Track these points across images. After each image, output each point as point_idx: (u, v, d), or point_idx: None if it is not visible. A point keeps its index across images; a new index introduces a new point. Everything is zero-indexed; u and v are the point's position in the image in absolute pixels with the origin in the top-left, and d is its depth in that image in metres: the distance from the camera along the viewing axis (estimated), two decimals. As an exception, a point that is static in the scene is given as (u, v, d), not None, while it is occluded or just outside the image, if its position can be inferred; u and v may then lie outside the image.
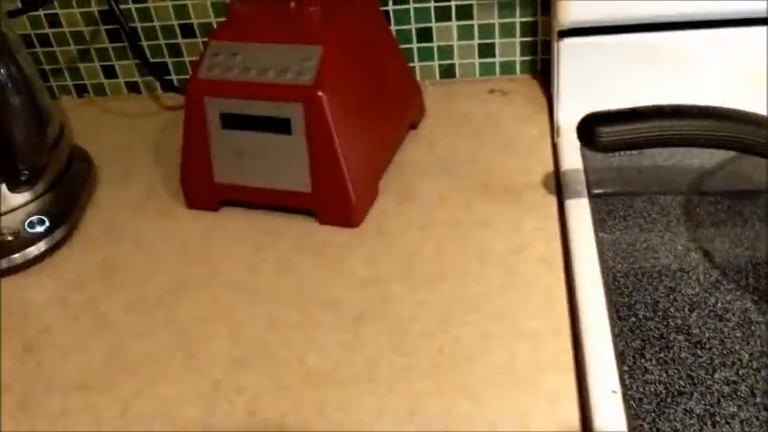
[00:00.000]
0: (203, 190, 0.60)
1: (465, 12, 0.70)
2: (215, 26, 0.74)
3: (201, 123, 0.58)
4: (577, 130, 0.49)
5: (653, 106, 0.48)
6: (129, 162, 0.69)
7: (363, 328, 0.49)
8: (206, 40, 0.75)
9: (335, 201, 0.57)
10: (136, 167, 0.68)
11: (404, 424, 0.43)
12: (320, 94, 0.54)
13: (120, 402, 0.46)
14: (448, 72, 0.74)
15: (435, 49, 0.73)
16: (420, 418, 0.43)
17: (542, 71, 0.73)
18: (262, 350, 0.49)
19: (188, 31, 0.75)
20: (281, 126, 0.56)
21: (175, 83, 0.78)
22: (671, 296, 0.48)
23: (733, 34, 0.60)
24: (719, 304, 0.47)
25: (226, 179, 0.59)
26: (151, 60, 0.76)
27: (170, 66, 0.77)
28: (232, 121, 0.57)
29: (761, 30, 0.60)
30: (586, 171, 0.60)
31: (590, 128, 0.47)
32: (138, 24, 0.74)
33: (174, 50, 0.76)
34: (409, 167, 0.63)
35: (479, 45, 0.72)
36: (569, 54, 0.63)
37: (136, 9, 0.73)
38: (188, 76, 0.77)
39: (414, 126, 0.68)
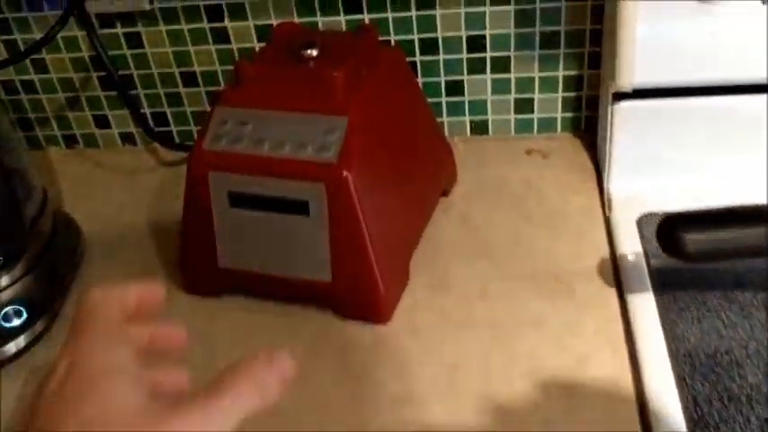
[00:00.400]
0: (205, 275, 0.53)
1: (502, 64, 0.62)
2: (220, 74, 0.66)
3: (205, 201, 0.50)
4: (657, 233, 0.41)
5: (751, 207, 0.40)
6: (121, 231, 0.61)
7: (398, 465, 0.41)
8: (210, 89, 0.67)
9: (361, 292, 0.49)
10: (129, 238, 0.60)
11: None
12: (346, 174, 0.46)
13: None
14: (480, 128, 0.66)
15: (466, 104, 0.65)
16: None
17: (586, 129, 0.65)
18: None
19: (190, 79, 0.67)
20: (299, 207, 0.48)
21: (175, 135, 0.71)
22: (767, 429, 0.40)
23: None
24: (827, 443, 0.39)
25: (231, 264, 0.51)
26: (149, 111, 0.68)
27: (169, 116, 0.70)
28: (241, 201, 0.49)
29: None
30: (648, 255, 0.52)
31: (673, 233, 0.39)
32: (134, 71, 0.67)
33: (175, 100, 0.68)
34: (443, 247, 0.55)
35: (516, 100, 0.64)
36: (625, 118, 0.55)
37: (131, 55, 0.66)
38: (188, 128, 0.70)
39: (446, 193, 0.60)
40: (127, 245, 0.60)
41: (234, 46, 0.64)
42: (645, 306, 0.48)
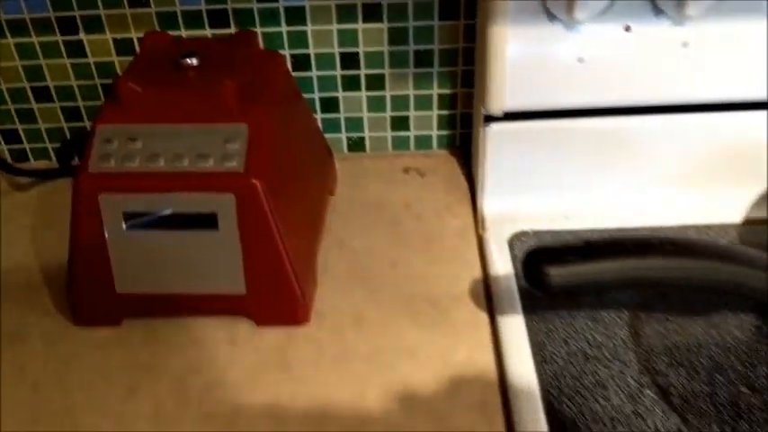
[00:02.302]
0: (100, 303, 0.49)
1: (376, 81, 0.61)
2: (76, 89, 0.61)
3: (96, 226, 0.46)
4: (523, 267, 0.41)
5: (611, 239, 0.41)
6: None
7: None
8: (66, 104, 0.62)
9: (279, 298, 0.48)
10: None
11: None
12: (255, 182, 0.44)
13: None
14: (357, 146, 0.65)
15: (342, 121, 0.64)
16: None
17: (461, 146, 0.65)
18: None
19: (43, 94, 0.62)
20: (206, 222, 0.46)
21: (29, 152, 0.65)
22: (628, 452, 0.42)
23: (666, 121, 0.55)
24: (683, 461, 0.41)
25: (131, 289, 0.48)
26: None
27: (21, 134, 0.64)
28: (139, 222, 0.46)
29: (693, 117, 0.55)
30: (517, 274, 0.53)
31: (537, 267, 0.40)
32: (-19, 86, 0.61)
33: (27, 117, 0.63)
34: (320, 274, 0.53)
35: (392, 117, 0.63)
36: (496, 140, 0.56)
37: (-24, 69, 0.60)
38: (43, 145, 0.65)
39: (331, 192, 0.60)
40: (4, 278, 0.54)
41: (91, 60, 0.60)
42: (515, 328, 0.49)
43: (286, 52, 0.59)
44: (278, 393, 0.45)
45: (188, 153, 0.45)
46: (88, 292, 0.49)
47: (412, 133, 0.64)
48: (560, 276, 0.39)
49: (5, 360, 0.48)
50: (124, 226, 0.46)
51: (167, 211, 0.45)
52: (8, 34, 0.58)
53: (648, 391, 0.45)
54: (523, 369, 0.46)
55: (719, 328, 0.49)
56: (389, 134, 0.64)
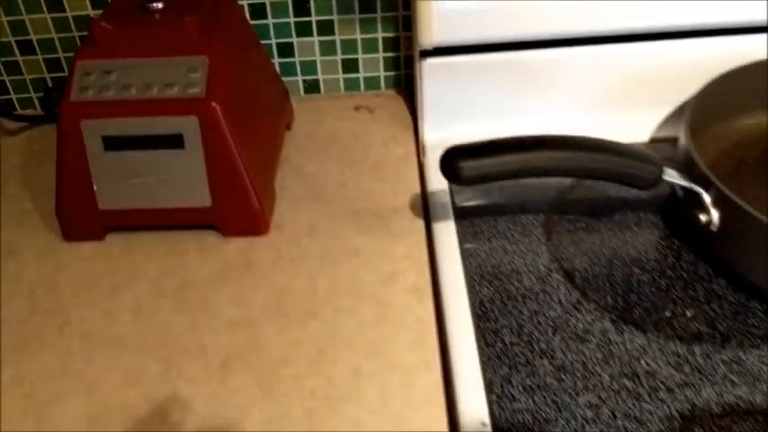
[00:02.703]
0: (85, 219, 0.56)
1: (326, 27, 0.68)
2: (56, 42, 0.68)
3: (79, 149, 0.53)
4: (440, 163, 0.49)
5: (513, 138, 0.48)
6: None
7: (231, 376, 0.47)
8: (48, 56, 0.69)
9: (240, 210, 0.56)
10: None
11: (277, 479, 0.41)
12: (215, 105, 0.52)
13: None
14: (312, 87, 0.72)
15: (298, 65, 0.71)
16: (293, 472, 0.42)
17: (406, 86, 0.73)
18: (121, 407, 0.45)
19: (27, 48, 0.68)
20: (173, 142, 0.53)
21: (15, 103, 0.72)
22: (535, 319, 0.50)
23: (584, 52, 0.63)
24: (581, 326, 0.49)
25: (112, 205, 0.55)
26: (-14, 80, 0.70)
27: (8, 85, 0.71)
28: (116, 143, 0.53)
29: (606, 48, 0.62)
30: (452, 191, 0.60)
31: (451, 162, 0.47)
32: (-32, 41, 0.67)
33: (13, 69, 0.70)
34: (279, 194, 0.61)
35: (343, 60, 0.71)
36: (432, 73, 0.63)
37: (-36, 24, 0.66)
38: (28, 95, 0.71)
39: (288, 127, 0.67)
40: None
41: (69, 14, 0.66)
42: (447, 232, 0.56)
43: (244, 2, 0.66)
44: (242, 287, 0.53)
45: (156, 82, 0.52)
46: (74, 210, 0.56)
47: (361, 75, 0.72)
48: (470, 168, 0.47)
49: (4, 270, 0.55)
50: (103, 148, 0.53)
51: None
52: (-7, -8, 0.65)
53: (556, 275, 0.53)
54: (452, 261, 0.54)
55: (621, 225, 0.57)
56: (341, 76, 0.72)
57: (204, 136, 0.53)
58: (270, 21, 0.67)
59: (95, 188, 0.54)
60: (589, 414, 0.44)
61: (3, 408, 0.46)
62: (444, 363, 0.47)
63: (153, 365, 0.48)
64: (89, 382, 0.47)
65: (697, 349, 0.47)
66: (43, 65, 0.70)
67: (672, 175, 0.51)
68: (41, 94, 0.71)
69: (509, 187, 0.61)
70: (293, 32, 0.68)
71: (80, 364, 0.48)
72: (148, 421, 0.45)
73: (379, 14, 0.68)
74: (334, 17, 0.67)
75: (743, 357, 0.47)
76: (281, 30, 0.68)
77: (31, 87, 0.71)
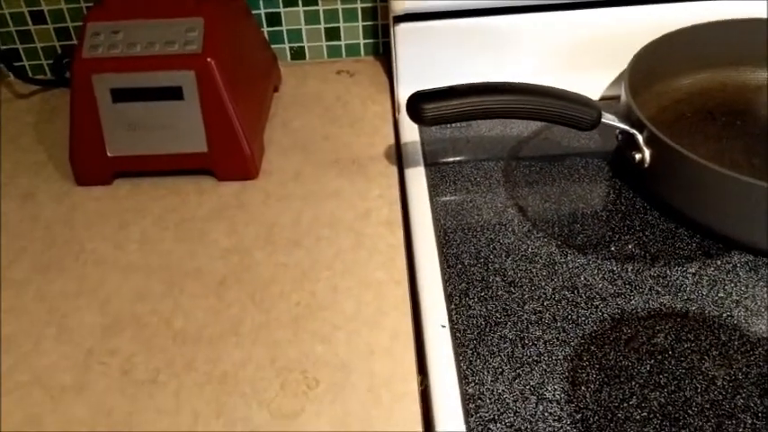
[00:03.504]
0: (95, 164, 0.63)
1: (311, -2, 0.75)
2: (65, 12, 0.75)
3: (90, 101, 0.60)
4: (406, 106, 0.56)
5: (468, 84, 0.56)
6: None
7: (227, 292, 0.54)
8: (58, 26, 0.76)
9: (232, 156, 0.63)
10: (12, 154, 0.69)
11: (266, 369, 0.48)
12: (210, 60, 0.59)
13: (-5, 375, 0.49)
14: (298, 54, 0.79)
15: (285, 33, 0.78)
16: (281, 363, 0.49)
17: (384, 53, 0.80)
18: (131, 318, 0.53)
19: (39, 17, 0.75)
20: (174, 94, 0.60)
21: (28, 70, 0.79)
22: (491, 246, 0.57)
23: (544, 18, 0.70)
24: (530, 250, 0.57)
25: (119, 152, 0.62)
26: (2, 48, 0.76)
27: (21, 52, 0.78)
28: (123, 95, 0.60)
29: (569, 14, 0.69)
30: (423, 143, 0.68)
31: (415, 105, 0.55)
32: (-16, 11, 0.74)
33: (26, 37, 0.77)
34: (267, 146, 0.68)
35: (326, 29, 0.78)
36: (405, 38, 0.70)
37: (-19, -4, 0.73)
38: (39, 62, 0.78)
39: (276, 89, 0.74)
40: (12, 157, 0.68)
41: (77, -14, 0.73)
42: (417, 176, 0.64)
43: (236, -25, 0.73)
44: (235, 222, 0.60)
45: (158, 41, 0.60)
46: (86, 156, 0.63)
47: (343, 42, 0.79)
48: (432, 110, 0.54)
49: (22, 211, 0.62)
50: (111, 99, 0.60)
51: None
52: (8, -35, 0.71)
53: (511, 210, 0.60)
54: (420, 199, 0.61)
55: (570, 169, 0.64)
56: (324, 44, 0.79)
57: (201, 88, 0.60)
58: (259, -8, 0.75)
59: (105, 136, 0.61)
60: (533, 318, 0.51)
61: (29, 319, 0.53)
62: (411, 282, 0.55)
63: (158, 285, 0.55)
64: (102, 298, 0.54)
65: (629, 267, 0.55)
66: (53, 33, 0.76)
67: (610, 119, 0.58)
68: (52, 61, 0.77)
69: (473, 138, 0.68)
70: (281, 3, 0.75)
71: (94, 284, 0.55)
72: (156, 327, 0.52)
73: (358, -14, 0.75)
74: (318, -11, 0.75)
75: (668, 273, 0.54)
76: (270, 0, 0.75)
77: (42, 54, 0.78)
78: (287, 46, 0.79)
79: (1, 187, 0.65)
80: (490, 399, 0.46)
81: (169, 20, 0.60)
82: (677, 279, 0.54)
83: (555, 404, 0.46)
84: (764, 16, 0.68)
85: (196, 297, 0.54)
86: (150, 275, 0.56)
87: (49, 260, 0.58)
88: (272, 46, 0.77)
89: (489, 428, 0.45)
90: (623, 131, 0.59)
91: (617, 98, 0.70)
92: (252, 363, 0.49)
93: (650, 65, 0.65)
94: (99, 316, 0.53)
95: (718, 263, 0.55)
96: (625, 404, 0.46)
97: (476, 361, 0.48)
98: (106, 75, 0.59)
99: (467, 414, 0.45)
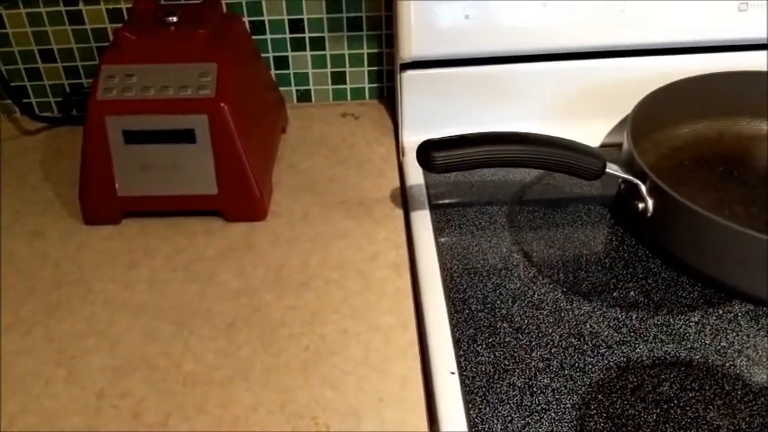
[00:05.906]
0: (105, 203, 0.64)
1: (318, 43, 0.77)
2: (75, 51, 0.76)
3: (103, 142, 0.61)
4: (416, 153, 0.57)
5: (479, 134, 0.57)
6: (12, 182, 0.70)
7: (236, 335, 0.54)
8: (67, 65, 0.77)
9: (242, 198, 0.63)
10: (22, 190, 0.69)
11: (277, 414, 0.49)
12: (223, 105, 0.60)
13: (6, 417, 0.49)
14: (304, 97, 0.81)
15: (292, 76, 0.79)
16: (291, 408, 0.49)
17: (388, 96, 0.81)
18: (141, 360, 0.53)
19: (48, 56, 0.76)
20: (186, 136, 0.61)
21: (35, 107, 0.79)
22: (497, 291, 0.58)
23: (544, 67, 0.72)
24: (536, 296, 0.57)
25: (129, 192, 0.63)
26: (11, 85, 0.77)
27: (29, 89, 0.78)
28: (135, 137, 0.61)
29: (564, 64, 0.71)
30: (428, 186, 0.69)
31: (426, 153, 0.56)
32: (-5, 50, 0.75)
33: (34, 75, 0.77)
34: (275, 187, 0.69)
35: (332, 73, 0.79)
36: (411, 84, 0.72)
37: (-7, 34, 0.74)
38: (47, 99, 0.79)
39: (283, 130, 0.76)
40: (20, 194, 0.69)
41: (88, 26, 0.74)
42: (423, 219, 0.65)
43: (245, 18, 0.75)
44: (244, 263, 0.61)
45: (172, 84, 0.61)
46: (96, 195, 0.63)
47: (348, 86, 0.80)
48: (441, 158, 0.55)
49: (31, 249, 0.63)
50: (124, 141, 0.61)
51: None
52: (21, 5, 0.72)
53: (516, 255, 0.61)
54: (427, 242, 0.62)
55: (573, 215, 0.65)
56: (330, 87, 0.80)
57: (213, 132, 0.60)
58: (268, 36, 0.76)
59: (115, 176, 0.62)
60: (541, 366, 0.52)
61: (38, 360, 0.53)
62: (419, 326, 0.55)
63: (167, 326, 0.55)
64: (112, 339, 0.54)
65: (634, 315, 0.56)
66: (62, 72, 0.77)
67: (614, 169, 0.60)
68: (59, 99, 0.78)
69: (477, 183, 0.69)
70: (288, 47, 0.77)
71: (103, 325, 0.56)
72: (166, 370, 0.52)
73: (365, 33, 0.76)
74: (325, 34, 0.76)
75: (672, 321, 0.55)
76: (278, 44, 0.77)
77: (49, 92, 0.79)
78: (293, 88, 0.80)
79: (9, 225, 0.65)
80: (500, 446, 0.47)
81: (183, 64, 0.61)
82: (680, 327, 0.55)
83: (564, 453, 0.46)
84: (763, 68, 0.70)
85: (206, 339, 0.54)
86: (160, 316, 0.56)
87: (58, 300, 0.58)
88: (280, 88, 0.79)
89: (500, 477, 0.45)
90: (626, 181, 0.60)
91: (616, 145, 0.72)
92: (263, 407, 0.49)
93: (651, 113, 0.67)
94: (109, 357, 0.53)
95: (720, 312, 0.56)
96: (633, 453, 0.46)
97: (485, 409, 0.49)
98: (119, 117, 0.60)
99: (477, 462, 0.46)
